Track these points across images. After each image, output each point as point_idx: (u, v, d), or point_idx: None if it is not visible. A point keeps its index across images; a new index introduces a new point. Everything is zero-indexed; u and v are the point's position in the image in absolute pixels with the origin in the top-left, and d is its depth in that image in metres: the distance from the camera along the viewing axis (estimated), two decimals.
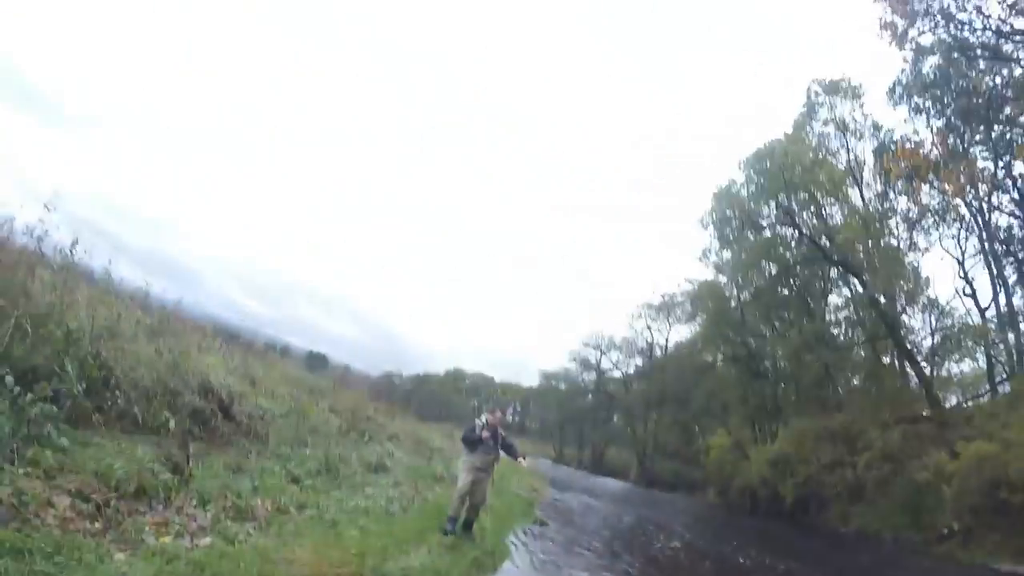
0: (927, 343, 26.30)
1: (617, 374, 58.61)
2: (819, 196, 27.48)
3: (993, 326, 22.69)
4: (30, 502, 4.39)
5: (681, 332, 48.50)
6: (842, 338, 30.62)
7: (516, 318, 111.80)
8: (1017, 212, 20.15)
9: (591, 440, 60.26)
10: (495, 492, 13.79)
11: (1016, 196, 20.08)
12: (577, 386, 61.23)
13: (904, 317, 26.40)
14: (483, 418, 9.11)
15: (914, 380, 25.41)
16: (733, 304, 33.60)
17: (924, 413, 22.79)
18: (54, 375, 5.89)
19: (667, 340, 51.32)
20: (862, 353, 28.91)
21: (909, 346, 25.39)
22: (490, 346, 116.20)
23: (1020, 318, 21.59)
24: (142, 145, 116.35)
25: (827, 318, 31.01)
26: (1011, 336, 21.62)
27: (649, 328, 52.57)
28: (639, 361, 55.50)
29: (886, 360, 27.60)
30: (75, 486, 4.94)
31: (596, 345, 57.82)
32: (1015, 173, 19.90)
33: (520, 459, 9.17)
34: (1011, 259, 21.53)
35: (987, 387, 23.03)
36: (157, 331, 9.39)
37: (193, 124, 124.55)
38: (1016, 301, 21.87)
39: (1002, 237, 21.45)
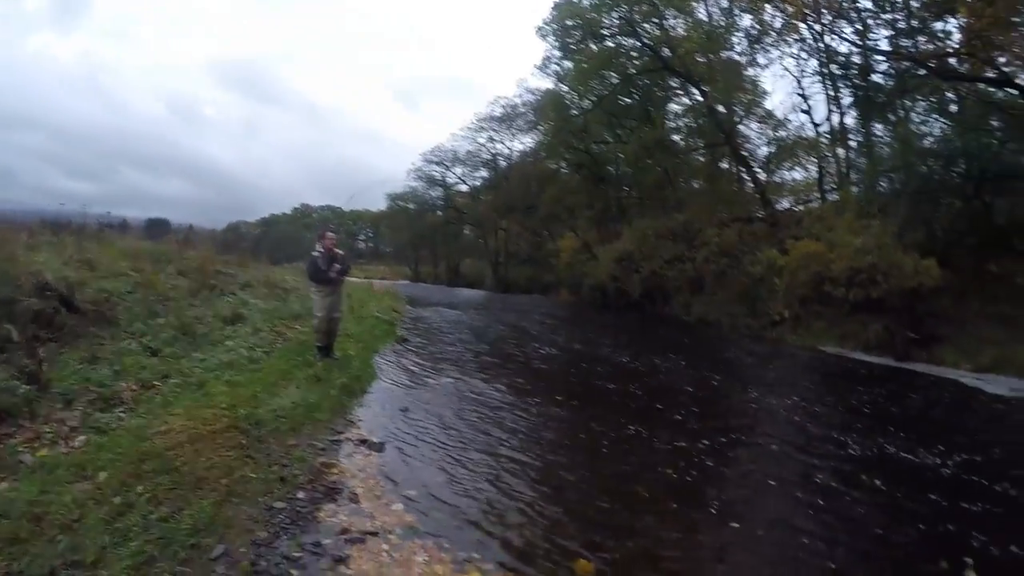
0: (763, 151, 28.17)
1: (464, 188, 58.50)
2: (661, 7, 27.06)
3: (825, 141, 24.37)
4: None
5: (524, 142, 48.42)
6: (682, 144, 31.99)
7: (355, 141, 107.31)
8: (858, 41, 20.92)
9: (444, 256, 61.29)
10: (355, 319, 14.11)
11: (859, 27, 20.74)
12: (425, 204, 60.62)
13: (741, 127, 27.78)
14: (317, 247, 9.45)
15: (749, 185, 27.27)
16: (575, 112, 33.46)
17: (758, 214, 24.89)
18: None
19: (511, 150, 51.39)
20: (701, 159, 30.61)
21: (745, 153, 27.02)
22: (332, 174, 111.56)
23: (850, 136, 23.26)
24: None
25: (667, 125, 31.96)
26: (841, 152, 23.51)
27: (492, 139, 52.16)
28: (485, 173, 55.46)
29: (723, 166, 29.43)
30: None
31: (439, 160, 56.71)
32: (859, 5, 20.39)
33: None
34: (847, 83, 22.62)
35: (817, 195, 25.10)
36: None
37: None
38: (848, 120, 23.40)
39: (841, 62, 22.31)
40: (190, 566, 3.81)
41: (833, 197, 23.28)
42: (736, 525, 5.24)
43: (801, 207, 25.47)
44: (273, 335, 10.51)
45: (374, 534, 4.58)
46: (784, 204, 26.59)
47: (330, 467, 5.77)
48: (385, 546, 4.44)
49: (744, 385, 11.14)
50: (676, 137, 32.22)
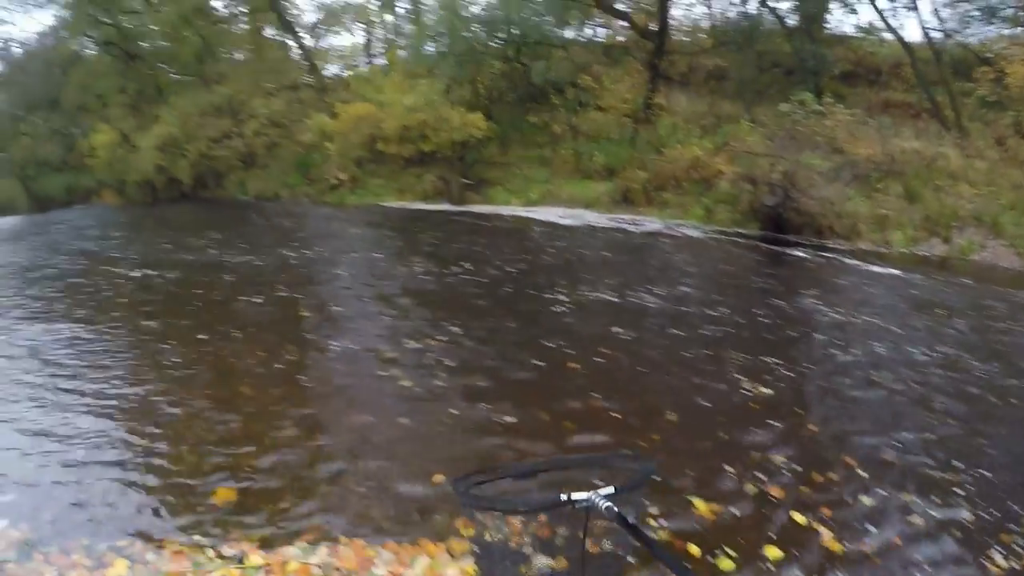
0: (309, 17, 26.60)
1: None
2: None
3: (374, 6, 24.18)
4: None
5: (41, 20, 39.34)
6: (224, 11, 28.35)
7: None
8: None
9: None
10: None
11: None
12: None
13: None
14: None
15: (296, 52, 25.85)
16: None
17: (306, 81, 23.74)
18: None
19: (25, 32, 41.32)
20: (244, 26, 27.58)
21: (290, 19, 25.44)
22: None
23: (396, 3, 23.46)
24: None
25: None
26: (389, 17, 23.77)
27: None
28: None
29: (268, 33, 27.00)
30: None
31: None
32: None
33: None
34: None
35: (365, 59, 24.92)
36: None
37: None
38: None
39: None
40: None
41: (380, 62, 23.20)
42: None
43: (349, 72, 24.91)
44: None
45: None
46: (332, 70, 25.77)
47: None
48: None
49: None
50: (217, 3, 28.38)
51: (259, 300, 8.15)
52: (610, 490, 1.61)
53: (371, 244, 10.77)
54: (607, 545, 1.75)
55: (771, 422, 4.85)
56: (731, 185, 13.58)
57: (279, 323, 7.33)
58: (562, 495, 1.58)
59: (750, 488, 4.04)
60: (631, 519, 1.53)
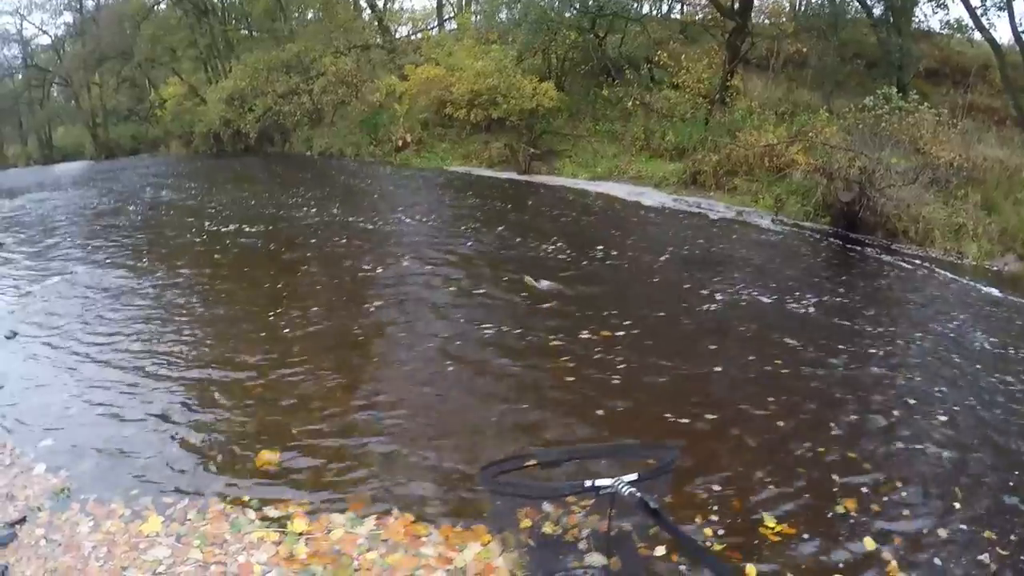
0: None
1: (46, 40, 46.44)
2: None
3: None
4: None
5: None
6: None
7: None
8: None
9: (34, 128, 48.73)
10: None
11: None
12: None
13: None
14: None
15: (367, 13, 25.95)
16: None
17: (376, 42, 23.65)
18: None
19: None
20: None
21: None
22: None
23: None
24: None
25: None
26: None
27: None
28: (68, 18, 44.31)
29: None
30: None
31: (14, 10, 44.05)
32: None
33: None
34: None
35: (435, 22, 24.81)
36: None
37: None
38: None
39: None
40: None
41: (452, 26, 23.07)
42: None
43: (419, 35, 24.68)
44: None
45: (21, 521, 3.48)
46: (403, 32, 25.62)
47: None
48: (40, 531, 3.40)
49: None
50: None
51: (320, 259, 8.21)
52: (633, 476, 1.63)
53: (439, 207, 10.72)
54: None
55: None
56: (805, 177, 13.17)
57: (344, 287, 7.27)
58: (586, 482, 1.61)
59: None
60: (653, 504, 1.55)
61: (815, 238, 11.31)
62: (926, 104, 13.04)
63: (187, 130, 29.02)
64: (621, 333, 5.91)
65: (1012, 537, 3.53)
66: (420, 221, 9.93)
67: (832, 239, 11.21)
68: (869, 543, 3.38)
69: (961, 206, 11.56)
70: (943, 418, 4.76)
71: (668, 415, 4.55)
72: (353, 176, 15.44)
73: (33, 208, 14.64)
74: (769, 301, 7.37)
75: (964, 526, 3.61)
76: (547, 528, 2.51)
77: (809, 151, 13.46)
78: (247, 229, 9.92)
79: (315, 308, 6.45)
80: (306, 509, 3.57)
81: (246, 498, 3.65)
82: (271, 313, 6.32)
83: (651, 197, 13.45)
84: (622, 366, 5.23)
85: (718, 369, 5.39)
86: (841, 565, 3.25)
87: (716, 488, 3.76)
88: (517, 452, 3.83)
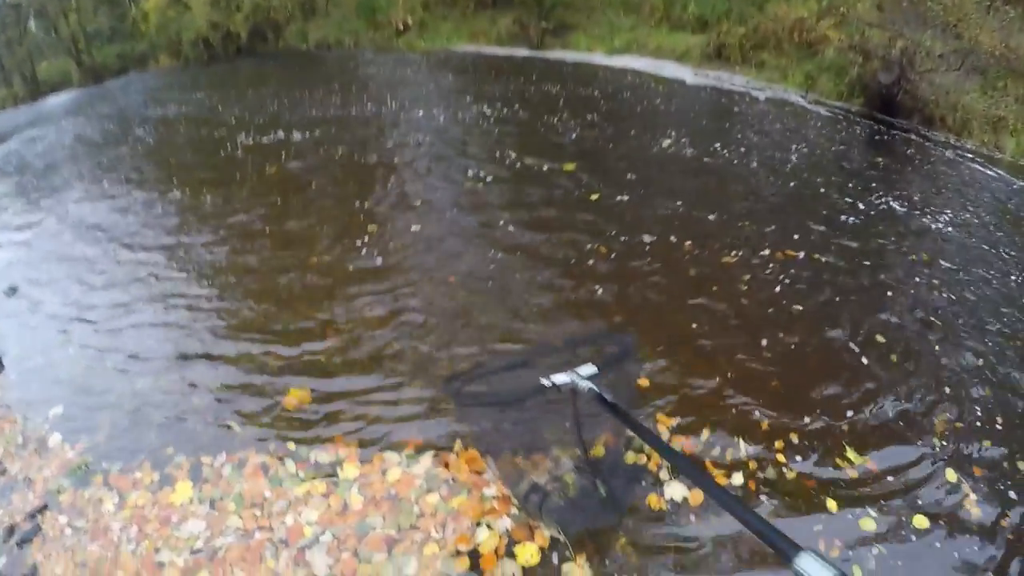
0: None
1: None
2: None
3: None
4: None
5: None
6: None
7: None
8: None
9: (15, 66, 46.92)
10: None
11: None
12: None
13: None
14: None
15: None
16: None
17: None
18: None
19: None
20: None
21: None
22: None
23: None
24: None
25: None
26: None
27: None
28: None
29: None
30: None
31: None
32: None
33: None
34: None
35: None
36: None
37: None
38: None
39: None
40: None
41: None
42: None
43: None
44: None
45: (42, 509, 3.06)
46: None
47: None
48: (63, 518, 3.00)
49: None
50: None
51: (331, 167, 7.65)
52: (590, 369, 1.61)
53: (450, 92, 10.29)
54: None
55: None
56: (838, 54, 12.40)
57: (362, 195, 6.71)
58: (543, 380, 1.61)
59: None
60: (608, 397, 1.51)
61: (848, 118, 10.91)
62: None
63: (174, 40, 27.83)
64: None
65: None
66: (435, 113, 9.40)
67: (866, 120, 10.81)
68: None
69: (1001, 98, 10.92)
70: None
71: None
72: (358, 67, 14.55)
73: (25, 149, 12.87)
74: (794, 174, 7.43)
75: None
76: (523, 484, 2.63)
77: (842, 26, 12.66)
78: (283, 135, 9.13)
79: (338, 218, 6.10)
80: (354, 450, 3.28)
81: (287, 446, 3.32)
82: (287, 231, 5.92)
83: (669, 71, 12.71)
84: None
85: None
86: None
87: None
88: (478, 363, 3.72)
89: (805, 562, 0.91)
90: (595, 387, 1.55)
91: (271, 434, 3.39)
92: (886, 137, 10.12)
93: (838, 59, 12.31)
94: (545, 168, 7.01)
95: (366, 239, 5.61)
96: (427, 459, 3.18)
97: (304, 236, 5.75)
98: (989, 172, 9.05)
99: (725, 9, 13.62)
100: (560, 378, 1.61)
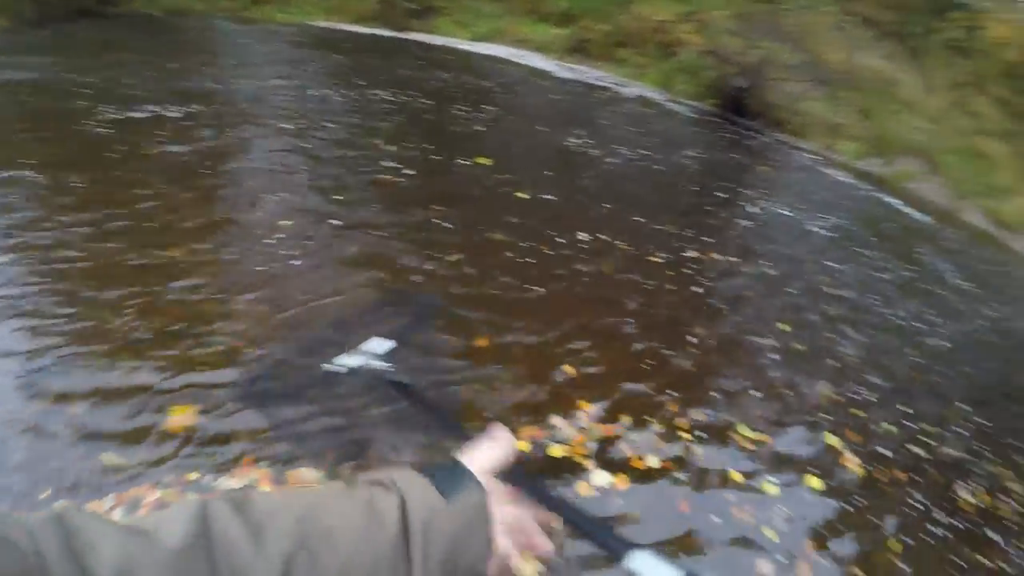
0: None
1: None
2: None
3: None
4: None
5: None
6: None
7: None
8: None
9: None
10: None
11: None
12: None
13: None
14: None
15: None
16: None
17: None
18: None
19: None
20: None
21: None
22: None
23: None
24: None
25: None
26: None
27: None
28: None
29: None
30: None
31: None
32: None
33: None
34: None
35: None
36: None
37: None
38: None
39: None
40: None
41: None
42: None
43: None
44: None
45: None
46: None
47: None
48: None
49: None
50: None
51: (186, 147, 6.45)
52: (389, 344, 1.21)
53: (339, 71, 9.96)
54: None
55: None
56: (697, 57, 12.85)
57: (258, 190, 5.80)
58: (324, 366, 1.19)
59: None
60: (405, 380, 1.15)
61: (701, 117, 11.73)
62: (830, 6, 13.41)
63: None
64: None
65: None
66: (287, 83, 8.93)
67: (717, 119, 11.66)
68: None
69: (840, 108, 12.14)
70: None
71: None
72: (223, 36, 13.39)
73: None
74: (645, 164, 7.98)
75: None
76: None
77: (702, 32, 13.14)
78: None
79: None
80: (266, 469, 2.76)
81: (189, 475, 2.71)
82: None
83: (532, 61, 12.76)
84: None
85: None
86: None
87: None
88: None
89: (637, 561, 0.72)
90: (388, 367, 1.20)
91: (163, 461, 2.73)
92: (734, 135, 10.95)
93: (695, 61, 12.72)
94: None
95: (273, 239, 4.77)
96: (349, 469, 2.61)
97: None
98: (825, 170, 10.16)
99: (591, 6, 13.75)
100: (348, 359, 1.22)
